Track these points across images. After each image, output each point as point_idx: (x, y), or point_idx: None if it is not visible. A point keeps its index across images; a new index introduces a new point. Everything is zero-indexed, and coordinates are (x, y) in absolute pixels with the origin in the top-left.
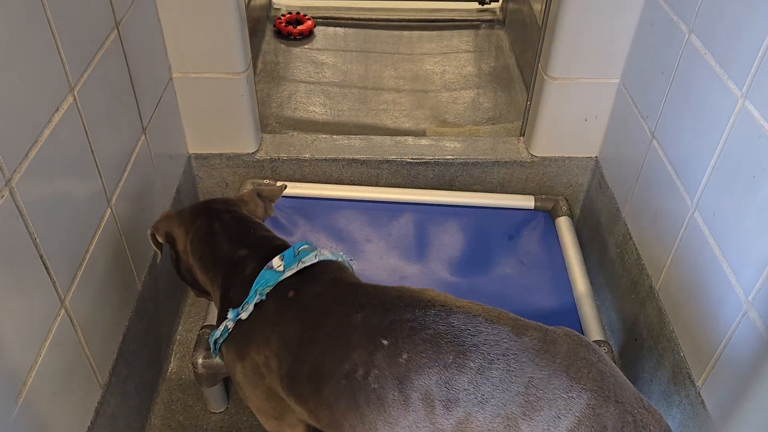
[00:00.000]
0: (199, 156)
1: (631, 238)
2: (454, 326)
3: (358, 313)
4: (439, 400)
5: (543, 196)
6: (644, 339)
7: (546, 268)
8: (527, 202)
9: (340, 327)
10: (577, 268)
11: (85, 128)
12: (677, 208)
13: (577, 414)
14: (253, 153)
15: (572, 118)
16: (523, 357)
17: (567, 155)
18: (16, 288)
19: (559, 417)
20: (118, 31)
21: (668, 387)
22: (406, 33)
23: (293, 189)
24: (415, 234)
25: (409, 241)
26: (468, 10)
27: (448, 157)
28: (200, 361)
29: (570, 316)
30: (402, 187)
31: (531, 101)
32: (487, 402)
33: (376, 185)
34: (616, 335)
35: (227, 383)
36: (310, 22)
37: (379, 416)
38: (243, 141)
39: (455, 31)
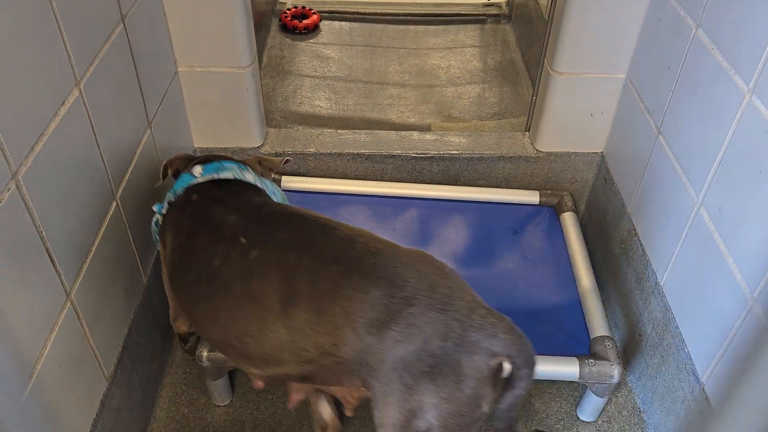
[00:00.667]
0: (205, 150)
1: (636, 233)
2: (308, 234)
3: (234, 215)
4: (278, 295)
5: (548, 192)
6: (649, 335)
7: (551, 264)
8: (532, 197)
9: (217, 227)
10: (581, 264)
11: (90, 122)
12: (683, 203)
13: (395, 318)
14: (258, 147)
15: (578, 114)
16: (350, 265)
17: (572, 150)
18: (23, 281)
19: (378, 319)
20: (124, 24)
21: (672, 383)
22: (411, 27)
23: (298, 183)
24: (419, 229)
25: (413, 236)
26: (474, 5)
27: (453, 152)
28: (205, 354)
29: (574, 311)
30: (407, 182)
31: (536, 96)
32: (320, 297)
33: (381, 180)
34: (621, 331)
35: (232, 376)
36: (315, 17)
37: (224, 303)
38: (248, 135)
39: (461, 25)
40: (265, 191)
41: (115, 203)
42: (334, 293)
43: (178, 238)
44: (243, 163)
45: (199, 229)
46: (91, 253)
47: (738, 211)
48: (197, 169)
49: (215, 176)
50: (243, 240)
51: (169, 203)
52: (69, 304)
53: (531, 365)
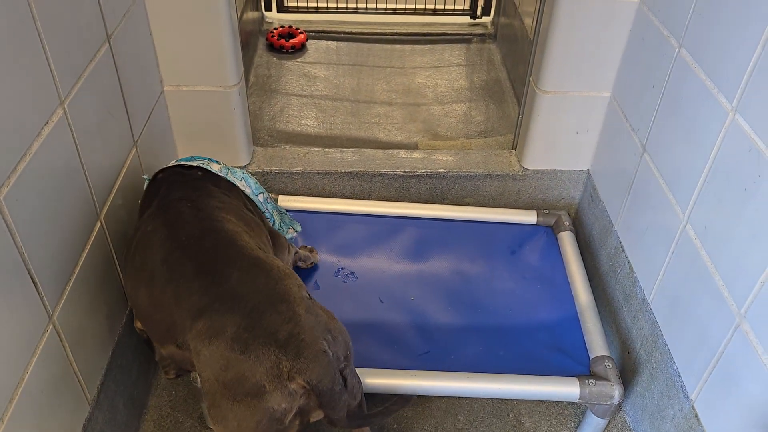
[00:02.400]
0: None
1: (623, 250)
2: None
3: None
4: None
5: (545, 211)
6: (637, 352)
7: (549, 283)
8: (529, 217)
9: (157, 204)
10: (580, 283)
11: (75, 141)
12: (669, 220)
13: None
14: (245, 166)
15: (564, 132)
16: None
17: (559, 168)
18: (3, 303)
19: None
20: (110, 43)
21: (662, 400)
22: (398, 47)
23: (292, 203)
24: (417, 249)
25: (411, 256)
26: (460, 24)
27: (441, 170)
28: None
29: (573, 331)
30: (394, 201)
31: (523, 114)
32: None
33: (369, 198)
34: (610, 348)
35: None
36: (302, 36)
37: (135, 281)
38: (235, 154)
39: (447, 44)
40: (225, 179)
41: (99, 223)
42: (171, 276)
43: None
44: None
45: (144, 205)
46: (75, 275)
47: (724, 228)
48: (172, 162)
49: (183, 163)
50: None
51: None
52: (51, 326)
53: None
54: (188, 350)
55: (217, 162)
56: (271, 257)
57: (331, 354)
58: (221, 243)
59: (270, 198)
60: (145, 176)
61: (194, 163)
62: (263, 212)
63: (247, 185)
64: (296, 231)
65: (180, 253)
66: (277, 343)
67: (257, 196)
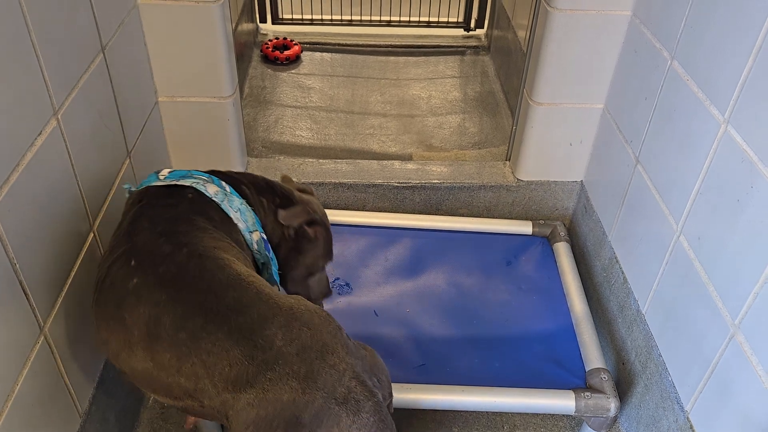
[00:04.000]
0: None
1: (617, 261)
2: (189, 275)
3: (146, 233)
4: (145, 331)
5: (541, 222)
6: (632, 363)
7: (545, 294)
8: (525, 227)
9: (130, 240)
10: (575, 295)
11: (68, 152)
12: (663, 231)
13: (252, 381)
14: None
15: (557, 143)
16: (215, 319)
17: (553, 179)
18: None
19: (235, 379)
20: (104, 54)
21: (657, 412)
22: (392, 58)
23: None
24: (412, 259)
25: (407, 267)
26: (454, 37)
27: (435, 181)
28: None
29: (569, 343)
30: (389, 212)
31: (516, 126)
32: (181, 345)
33: (363, 209)
34: (605, 360)
35: None
36: (297, 48)
37: (107, 325)
38: (229, 165)
39: (441, 56)
40: (221, 208)
41: (92, 234)
42: (195, 345)
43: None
44: (237, 180)
45: (118, 237)
46: (67, 286)
47: (717, 239)
48: (164, 171)
49: (175, 182)
50: (132, 263)
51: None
52: (43, 338)
53: None
54: (223, 416)
55: (216, 182)
56: (303, 302)
57: (381, 400)
58: (247, 296)
59: (264, 240)
60: (127, 185)
61: (187, 183)
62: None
63: (242, 220)
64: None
65: (202, 318)
66: (337, 402)
67: (250, 234)
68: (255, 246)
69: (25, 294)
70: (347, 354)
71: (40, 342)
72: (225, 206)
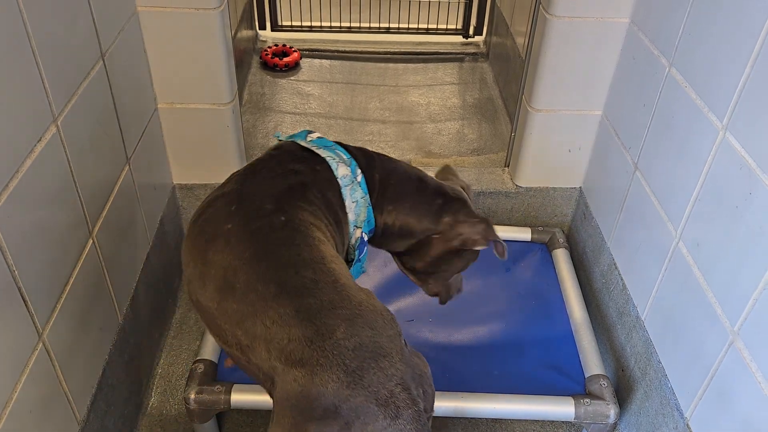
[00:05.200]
0: (184, 186)
1: (616, 267)
2: (278, 242)
3: (258, 185)
4: (222, 275)
5: (540, 228)
6: (631, 369)
7: (544, 301)
8: (524, 234)
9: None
10: (574, 301)
11: (68, 159)
12: (661, 238)
13: (303, 363)
14: None
15: (556, 149)
16: (287, 294)
17: (551, 186)
18: None
19: (290, 355)
20: (104, 61)
21: (656, 418)
22: (391, 65)
23: None
24: None
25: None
26: (452, 43)
27: None
28: (192, 396)
29: (568, 349)
30: None
31: (515, 132)
32: (249, 305)
33: None
34: (604, 366)
35: (220, 419)
36: (296, 54)
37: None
38: (228, 171)
39: (440, 63)
40: (340, 191)
41: (91, 241)
42: (261, 309)
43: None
44: (371, 157)
45: (239, 173)
46: (66, 292)
47: (716, 246)
48: (314, 134)
49: (315, 148)
50: (233, 207)
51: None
52: (41, 344)
53: None
54: (268, 378)
55: (353, 168)
56: (373, 299)
57: (423, 412)
58: (323, 280)
59: (364, 242)
60: (277, 134)
61: (323, 154)
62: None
63: (354, 212)
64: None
65: (275, 287)
66: (378, 402)
67: (353, 228)
68: (353, 241)
69: (24, 300)
70: (400, 360)
71: (38, 348)
72: (345, 192)
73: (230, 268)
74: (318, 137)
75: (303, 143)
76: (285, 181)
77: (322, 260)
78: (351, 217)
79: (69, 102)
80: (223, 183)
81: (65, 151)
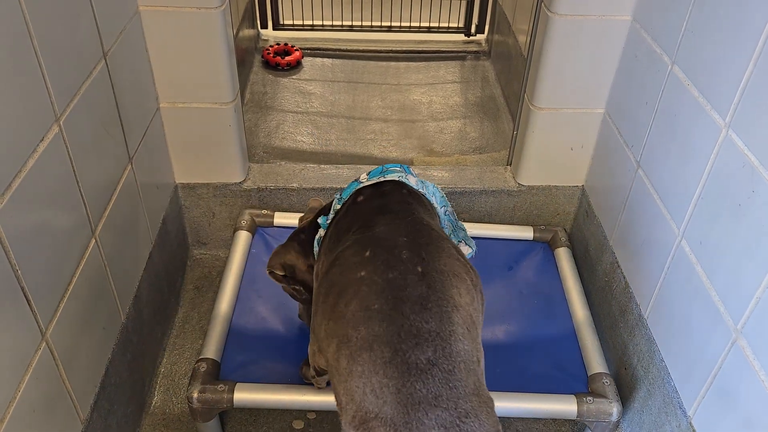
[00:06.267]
0: (186, 186)
1: (618, 266)
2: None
3: (381, 227)
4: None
5: (542, 227)
6: (634, 368)
7: (546, 300)
8: (526, 233)
9: (358, 233)
10: (577, 300)
11: (70, 158)
12: (664, 236)
13: (390, 356)
14: (240, 182)
15: (558, 148)
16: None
17: (554, 184)
18: None
19: (371, 340)
20: (106, 61)
21: (659, 417)
22: (393, 64)
23: (291, 219)
24: None
25: None
26: (454, 42)
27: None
28: (195, 395)
29: (571, 347)
30: None
31: (517, 131)
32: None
33: None
34: (607, 364)
35: (223, 418)
36: (297, 53)
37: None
38: (231, 171)
39: (442, 62)
40: (425, 195)
41: (94, 240)
42: (368, 373)
43: (332, 242)
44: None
45: (352, 232)
46: (68, 292)
47: (719, 244)
48: (363, 175)
49: (381, 178)
50: (367, 254)
51: (336, 210)
52: (44, 344)
53: None
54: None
55: (411, 173)
56: (486, 414)
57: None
58: (440, 368)
59: (451, 211)
60: (321, 220)
61: (389, 177)
62: (443, 228)
63: (439, 204)
64: (471, 248)
65: (391, 353)
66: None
67: (440, 209)
68: (445, 221)
69: (27, 300)
70: (478, 372)
71: (41, 348)
72: (428, 196)
73: (353, 319)
74: (366, 174)
75: (367, 183)
76: (405, 220)
77: (450, 336)
78: (440, 211)
79: (71, 102)
80: (336, 239)
81: (68, 151)
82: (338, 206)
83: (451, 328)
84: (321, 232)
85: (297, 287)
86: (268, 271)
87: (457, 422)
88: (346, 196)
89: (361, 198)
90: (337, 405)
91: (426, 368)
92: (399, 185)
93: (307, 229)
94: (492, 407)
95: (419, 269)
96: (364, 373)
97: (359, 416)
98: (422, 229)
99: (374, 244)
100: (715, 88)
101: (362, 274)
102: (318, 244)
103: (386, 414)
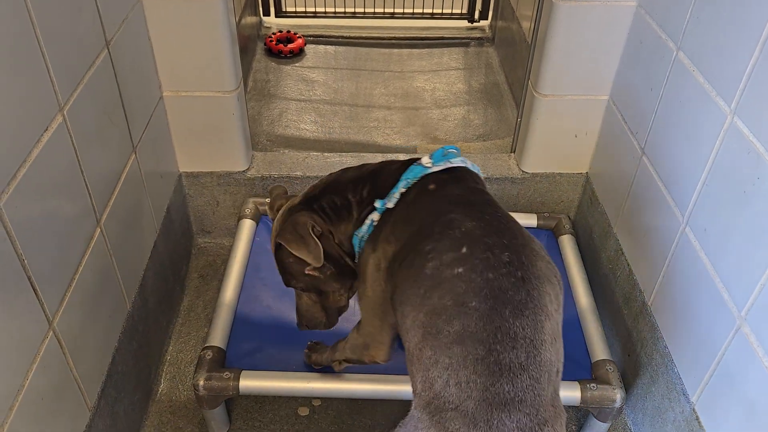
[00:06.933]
0: (190, 174)
1: (623, 253)
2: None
3: (471, 222)
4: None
5: (546, 214)
6: (638, 354)
7: None
8: (530, 220)
9: (447, 226)
10: (580, 286)
11: (74, 148)
12: (668, 223)
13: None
14: (244, 171)
15: (562, 135)
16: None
17: (558, 171)
18: (3, 309)
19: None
20: (108, 50)
21: (662, 403)
22: (396, 51)
23: None
24: None
25: None
26: (457, 28)
27: None
28: (201, 382)
29: (574, 334)
30: None
31: (521, 118)
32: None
33: None
34: (611, 351)
35: (229, 405)
36: (300, 41)
37: (421, 301)
38: (234, 159)
39: (445, 48)
40: (481, 178)
41: (99, 229)
42: (456, 367)
43: (403, 232)
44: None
45: (430, 223)
46: (75, 281)
47: (723, 231)
48: (425, 159)
49: (448, 164)
50: (464, 250)
51: (402, 194)
52: (51, 333)
53: None
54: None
55: (455, 153)
56: (559, 426)
57: None
58: (529, 375)
59: None
60: (379, 203)
61: (455, 162)
62: None
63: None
64: None
65: (485, 351)
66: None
67: None
68: None
69: (34, 289)
70: (557, 374)
71: (48, 337)
72: (476, 170)
73: (446, 313)
74: (429, 157)
75: (436, 168)
76: (495, 216)
77: (540, 345)
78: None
79: (74, 91)
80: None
81: (72, 140)
82: (403, 189)
83: (543, 337)
84: (375, 216)
85: (327, 269)
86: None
87: (536, 429)
88: (411, 178)
89: (432, 186)
90: (413, 388)
91: (517, 372)
92: (468, 173)
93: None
94: (564, 420)
95: (519, 274)
96: (451, 366)
97: (435, 404)
98: (513, 227)
99: (470, 241)
100: (721, 75)
101: (459, 270)
102: (371, 227)
103: (467, 408)
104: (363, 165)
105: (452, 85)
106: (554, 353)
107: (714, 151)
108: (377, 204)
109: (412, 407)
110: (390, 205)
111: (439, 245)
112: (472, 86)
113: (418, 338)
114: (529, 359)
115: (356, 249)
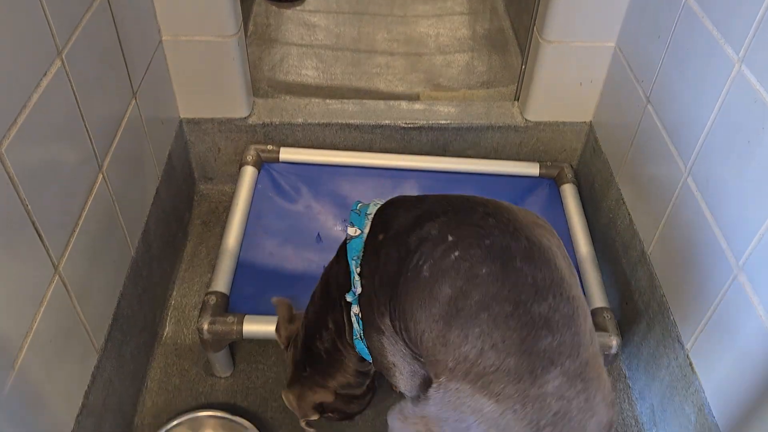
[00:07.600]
0: (191, 121)
1: (624, 203)
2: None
3: (438, 218)
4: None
5: (548, 163)
6: (635, 302)
7: None
8: (532, 169)
9: (420, 236)
10: (581, 235)
11: (74, 93)
12: (671, 173)
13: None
14: (245, 118)
15: (567, 83)
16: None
17: (561, 120)
18: (9, 255)
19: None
20: None
21: (657, 350)
22: None
23: (296, 155)
24: None
25: None
26: None
27: (442, 121)
28: (206, 326)
29: None
30: (396, 153)
31: (526, 65)
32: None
33: (370, 150)
34: (608, 299)
35: (233, 348)
36: None
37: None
38: (235, 105)
39: None
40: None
41: (101, 176)
42: (488, 330)
43: (389, 277)
44: None
45: (403, 240)
46: (78, 226)
47: (726, 181)
48: (351, 230)
49: (369, 218)
50: (450, 238)
51: (359, 274)
52: (57, 277)
53: None
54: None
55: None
56: (599, 360)
57: None
58: (563, 317)
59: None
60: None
61: (371, 209)
62: None
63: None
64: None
65: (512, 307)
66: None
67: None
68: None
69: (39, 234)
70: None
71: (54, 281)
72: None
73: (461, 292)
74: (358, 211)
75: (369, 218)
76: (450, 198)
77: (561, 281)
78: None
79: (72, 35)
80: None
81: (71, 85)
82: (358, 269)
83: (560, 274)
84: (355, 309)
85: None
86: (304, 423)
87: (580, 370)
88: (356, 254)
89: (380, 236)
90: (434, 376)
91: (549, 315)
92: (390, 202)
93: (298, 349)
94: (602, 360)
95: (510, 228)
96: (483, 332)
97: (475, 371)
98: (474, 198)
99: (450, 229)
100: (730, 22)
101: (456, 254)
102: (359, 320)
103: (509, 365)
104: (312, 295)
105: (456, 31)
106: (577, 288)
107: (720, 101)
108: (349, 298)
109: (443, 380)
110: (359, 289)
111: (424, 250)
112: (477, 32)
113: (437, 332)
114: (556, 298)
115: (363, 344)
